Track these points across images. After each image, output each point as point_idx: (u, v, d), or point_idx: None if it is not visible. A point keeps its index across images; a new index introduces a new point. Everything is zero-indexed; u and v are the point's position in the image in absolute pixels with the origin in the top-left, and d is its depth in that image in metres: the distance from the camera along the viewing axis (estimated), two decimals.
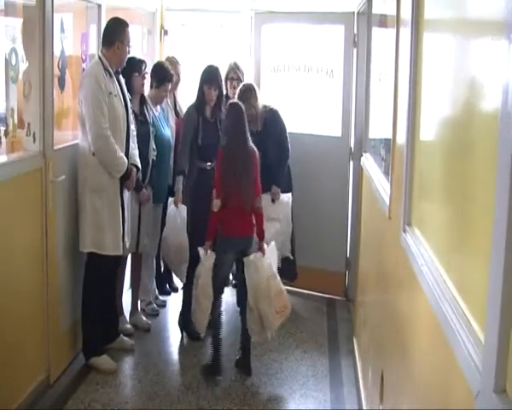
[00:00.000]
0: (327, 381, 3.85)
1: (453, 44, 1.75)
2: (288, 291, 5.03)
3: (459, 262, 1.53)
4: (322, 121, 5.24)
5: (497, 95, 1.13)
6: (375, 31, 3.99)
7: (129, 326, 4.32)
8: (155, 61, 4.91)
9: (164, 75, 4.37)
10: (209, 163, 4.14)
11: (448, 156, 1.72)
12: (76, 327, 3.83)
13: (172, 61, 4.78)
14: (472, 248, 1.42)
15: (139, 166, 3.92)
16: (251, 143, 3.80)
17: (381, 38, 3.64)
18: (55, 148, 3.47)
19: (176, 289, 5.06)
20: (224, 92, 4.47)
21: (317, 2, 5.16)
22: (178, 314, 4.36)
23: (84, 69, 3.96)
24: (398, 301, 2.38)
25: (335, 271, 5.13)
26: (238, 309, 3.92)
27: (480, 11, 1.43)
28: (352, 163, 5.04)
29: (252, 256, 3.73)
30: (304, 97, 5.20)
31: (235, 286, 4.58)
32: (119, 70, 3.79)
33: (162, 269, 5.04)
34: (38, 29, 3.24)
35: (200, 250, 3.77)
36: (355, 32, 4.91)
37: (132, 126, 3.88)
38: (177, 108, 4.88)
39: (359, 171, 4.60)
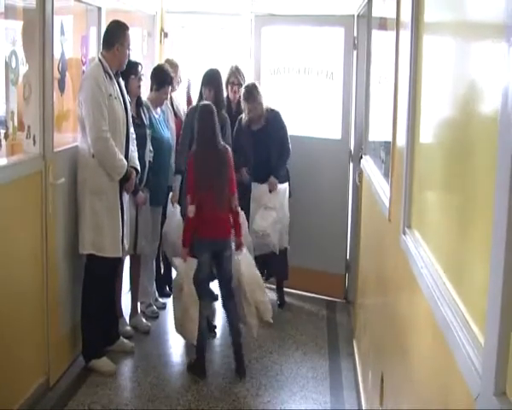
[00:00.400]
0: (327, 383, 3.85)
1: (453, 47, 1.75)
2: (289, 294, 5.10)
3: (459, 265, 1.53)
4: (322, 124, 5.26)
5: (497, 97, 1.13)
6: (375, 33, 3.99)
7: (129, 328, 4.32)
8: (155, 64, 4.92)
9: (164, 78, 4.39)
10: None
11: (448, 159, 1.72)
12: (76, 329, 3.82)
13: (172, 64, 4.79)
14: (472, 251, 1.42)
15: (138, 168, 3.92)
16: (222, 143, 3.84)
17: (381, 41, 3.64)
18: (55, 150, 3.47)
19: None
20: (225, 95, 4.48)
21: (317, 4, 5.17)
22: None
23: (84, 72, 3.96)
24: (398, 304, 2.38)
25: (335, 273, 5.13)
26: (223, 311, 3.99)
27: (480, 14, 1.43)
28: (351, 165, 5.05)
29: (240, 256, 3.84)
30: (304, 100, 5.21)
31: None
32: (119, 72, 3.80)
33: (162, 271, 5.04)
34: (38, 32, 3.24)
35: (176, 260, 3.82)
36: (355, 34, 4.92)
37: (132, 129, 3.89)
38: (175, 108, 4.88)
39: (359, 173, 4.60)
